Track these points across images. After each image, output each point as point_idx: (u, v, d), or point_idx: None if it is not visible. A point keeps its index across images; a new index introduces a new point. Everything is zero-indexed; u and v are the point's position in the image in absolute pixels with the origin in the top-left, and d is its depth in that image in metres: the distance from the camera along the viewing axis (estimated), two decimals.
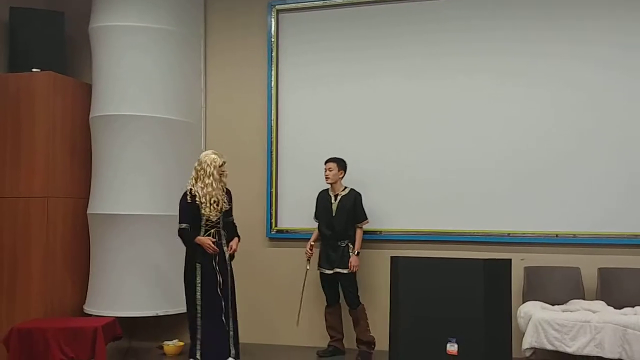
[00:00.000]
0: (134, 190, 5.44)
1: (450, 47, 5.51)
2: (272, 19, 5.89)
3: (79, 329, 4.93)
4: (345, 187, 5.31)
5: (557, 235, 5.26)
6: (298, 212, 5.76)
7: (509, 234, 5.34)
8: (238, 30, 6.04)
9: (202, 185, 4.87)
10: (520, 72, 5.37)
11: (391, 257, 4.76)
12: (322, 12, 5.82)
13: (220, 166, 4.92)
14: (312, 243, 5.36)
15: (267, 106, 5.89)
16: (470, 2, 5.48)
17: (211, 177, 4.87)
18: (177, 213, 5.47)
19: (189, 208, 4.87)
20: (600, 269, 5.08)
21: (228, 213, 5.03)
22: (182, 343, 5.44)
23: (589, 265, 5.13)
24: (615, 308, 4.75)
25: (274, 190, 5.84)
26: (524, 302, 5.02)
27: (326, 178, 5.27)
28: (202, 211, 4.86)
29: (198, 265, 4.86)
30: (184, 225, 4.87)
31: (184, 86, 5.82)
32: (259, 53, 5.95)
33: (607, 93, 5.21)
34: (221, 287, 4.88)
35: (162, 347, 5.40)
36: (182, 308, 5.58)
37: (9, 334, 4.93)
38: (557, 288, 5.07)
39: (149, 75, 5.55)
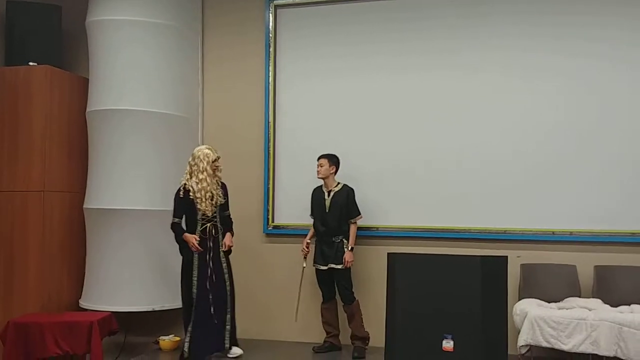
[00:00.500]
0: (130, 185, 5.43)
1: (449, 44, 5.50)
2: (270, 14, 5.88)
3: (74, 323, 4.93)
4: (339, 183, 5.32)
5: (553, 233, 5.27)
6: (295, 208, 5.76)
7: (505, 231, 5.34)
8: (236, 26, 6.03)
9: (197, 181, 4.92)
10: (520, 70, 5.36)
11: (388, 253, 4.75)
12: (319, 7, 5.80)
13: (213, 161, 4.97)
14: (308, 240, 5.37)
15: (265, 101, 5.88)
16: None
17: (205, 172, 4.93)
18: (172, 208, 5.50)
19: (182, 203, 4.93)
20: (596, 267, 5.09)
21: (224, 207, 5.06)
22: (178, 338, 5.45)
23: (585, 262, 5.14)
24: (611, 306, 4.76)
25: (271, 185, 5.83)
26: (520, 300, 5.04)
27: (317, 174, 5.27)
28: (198, 206, 4.88)
29: (195, 259, 4.88)
30: (176, 220, 4.97)
31: (181, 81, 5.80)
32: (257, 48, 5.93)
33: (606, 92, 5.21)
34: (213, 281, 4.90)
35: (157, 342, 5.41)
36: (178, 303, 5.59)
37: (5, 328, 4.93)
38: (553, 285, 5.08)
39: (146, 70, 5.53)
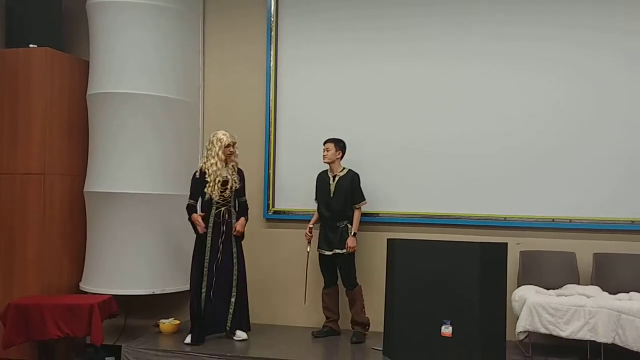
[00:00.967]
0: (131, 169, 5.42)
1: (454, 30, 5.47)
2: None
3: (75, 306, 4.96)
4: (344, 168, 5.30)
5: (553, 220, 5.27)
6: (295, 193, 5.76)
7: (505, 218, 5.35)
8: (237, 8, 5.98)
9: (209, 165, 4.98)
10: (521, 59, 5.34)
11: (388, 239, 4.77)
12: None
13: (226, 146, 5.01)
14: (311, 225, 5.35)
15: (266, 85, 5.85)
16: None
17: (216, 157, 5.01)
18: (174, 192, 5.54)
19: (197, 185, 5.04)
20: (595, 254, 5.11)
21: (240, 193, 5.10)
22: (178, 321, 5.47)
23: (584, 250, 5.15)
24: (609, 293, 4.78)
25: (271, 170, 5.83)
26: (518, 286, 5.05)
27: (323, 158, 5.26)
28: (206, 190, 4.94)
29: (208, 242, 4.99)
30: (191, 202, 5.08)
31: (181, 64, 5.78)
32: (258, 32, 5.89)
33: (606, 81, 5.19)
34: (221, 264, 4.95)
35: (158, 325, 5.43)
36: (179, 287, 5.63)
37: (6, 310, 4.95)
38: (552, 272, 5.10)
39: (147, 53, 5.50)
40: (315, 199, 5.39)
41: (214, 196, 4.99)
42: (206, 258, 5.03)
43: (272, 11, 5.83)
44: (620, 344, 4.48)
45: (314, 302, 5.47)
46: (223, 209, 5.06)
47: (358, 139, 5.52)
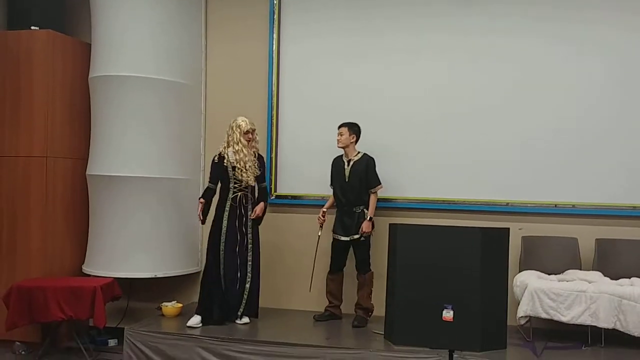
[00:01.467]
0: (133, 152, 5.42)
1: (462, 20, 5.43)
2: None
3: (78, 289, 4.98)
4: (359, 152, 5.25)
5: (555, 206, 5.27)
6: (298, 178, 5.76)
7: (507, 203, 5.35)
8: None
9: (234, 151, 5.05)
10: (525, 42, 5.31)
11: (390, 224, 4.75)
12: None
13: (246, 132, 5.03)
14: (325, 210, 5.32)
15: (269, 68, 5.82)
16: None
17: (240, 143, 5.06)
18: (176, 175, 5.57)
19: (216, 169, 5.11)
20: (597, 240, 5.11)
21: (260, 179, 5.17)
22: (180, 305, 5.49)
23: (586, 235, 5.15)
24: (611, 279, 4.79)
25: (274, 155, 5.82)
26: (520, 271, 5.06)
27: (337, 142, 5.20)
28: (239, 176, 5.04)
29: (224, 226, 5.05)
30: (209, 185, 5.18)
31: (184, 47, 5.75)
32: (261, 12, 5.85)
33: (616, 67, 5.16)
34: (236, 247, 5.05)
35: (160, 308, 5.46)
36: (181, 270, 5.65)
37: (9, 292, 4.98)
38: (554, 258, 5.10)
39: (149, 36, 5.48)
40: (331, 184, 5.35)
41: (249, 181, 5.05)
42: (222, 240, 5.06)
43: None
44: (621, 329, 4.50)
45: (318, 287, 5.48)
46: (240, 194, 5.09)
47: (360, 124, 5.49)
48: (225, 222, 5.07)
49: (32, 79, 5.45)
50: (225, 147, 5.10)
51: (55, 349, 5.36)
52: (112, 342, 5.58)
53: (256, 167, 5.12)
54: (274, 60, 5.81)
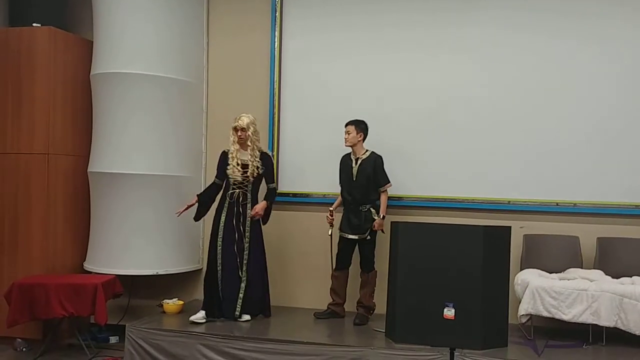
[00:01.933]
0: (135, 149, 5.42)
1: (466, 17, 5.41)
2: None
3: (79, 286, 4.99)
4: (367, 151, 5.22)
5: (557, 204, 5.26)
6: (300, 176, 5.75)
7: (509, 201, 5.34)
8: None
9: (230, 146, 5.13)
10: (527, 39, 5.30)
11: (391, 222, 4.75)
12: None
13: (234, 129, 5.04)
14: (332, 209, 5.28)
15: (270, 65, 5.81)
16: None
17: (230, 138, 5.12)
18: (177, 173, 5.57)
19: (220, 165, 5.18)
20: (599, 239, 5.10)
21: (268, 179, 5.20)
22: (182, 302, 5.49)
23: (588, 234, 5.14)
24: (612, 277, 4.78)
25: (275, 152, 5.81)
26: (521, 270, 5.06)
27: (345, 141, 5.16)
28: (227, 170, 5.06)
29: (222, 222, 5.07)
30: (215, 180, 5.24)
31: (185, 44, 5.75)
32: (263, 10, 5.83)
33: (617, 66, 5.15)
34: (235, 245, 5.06)
35: (161, 306, 5.46)
36: (182, 267, 5.66)
37: (10, 289, 4.99)
38: (555, 256, 5.10)
39: (151, 33, 5.48)
40: (339, 182, 5.32)
41: (235, 177, 5.07)
42: (219, 236, 5.08)
43: None
44: (623, 328, 4.49)
45: (320, 284, 5.48)
46: (238, 191, 5.09)
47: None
48: (223, 218, 5.11)
49: (34, 76, 5.45)
50: (231, 144, 5.16)
51: (57, 346, 5.37)
52: (113, 339, 5.59)
53: (258, 166, 5.11)
54: (275, 57, 5.80)
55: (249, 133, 5.10)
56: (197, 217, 5.29)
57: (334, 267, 5.29)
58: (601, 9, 5.16)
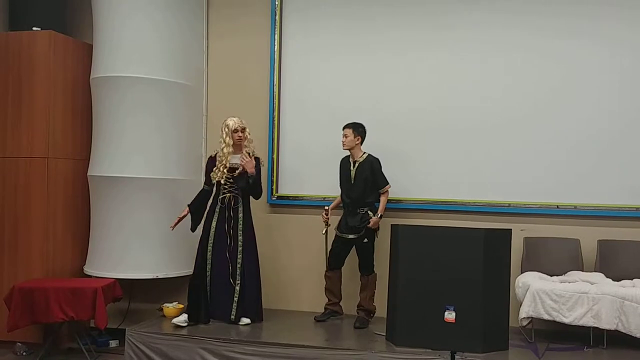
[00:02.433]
0: (134, 153, 5.42)
1: (464, 19, 5.42)
2: None
3: (79, 289, 4.98)
4: (364, 153, 5.23)
5: (557, 207, 5.26)
6: (299, 179, 5.75)
7: (509, 204, 5.34)
8: None
9: (220, 149, 5.08)
10: (521, 49, 5.30)
11: (391, 225, 4.74)
12: None
13: (234, 131, 5.02)
14: (327, 208, 5.29)
15: (270, 69, 5.81)
16: None
17: (224, 143, 5.06)
18: (177, 176, 5.57)
19: (209, 170, 5.15)
20: (599, 241, 5.10)
21: (255, 179, 5.12)
22: (181, 305, 5.48)
23: (588, 237, 5.14)
24: (613, 280, 4.78)
25: (275, 156, 5.82)
26: (522, 273, 5.05)
27: (342, 145, 5.18)
28: (212, 173, 5.06)
29: (213, 228, 5.06)
30: (204, 187, 5.21)
31: (185, 48, 5.75)
32: (263, 14, 5.84)
33: (617, 67, 5.16)
34: (230, 250, 5.03)
35: (161, 309, 5.45)
36: (182, 271, 5.64)
37: (10, 293, 4.98)
38: (556, 259, 5.09)
39: (150, 37, 5.48)
40: (340, 185, 5.32)
41: (218, 179, 5.02)
42: (210, 242, 5.05)
43: None
44: (623, 331, 4.49)
45: (317, 287, 5.47)
46: (229, 195, 5.07)
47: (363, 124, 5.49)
48: (214, 224, 5.08)
49: (34, 80, 5.45)
50: (220, 149, 5.11)
51: (57, 350, 5.36)
52: (113, 343, 5.58)
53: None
54: (275, 60, 5.80)
55: (247, 134, 5.12)
56: (194, 227, 5.25)
57: (326, 267, 5.30)
58: (602, 11, 5.17)
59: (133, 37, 5.43)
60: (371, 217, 5.11)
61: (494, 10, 5.37)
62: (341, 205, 5.31)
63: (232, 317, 5.06)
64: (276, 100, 5.81)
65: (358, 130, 5.17)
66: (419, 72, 5.53)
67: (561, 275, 4.97)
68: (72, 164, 5.70)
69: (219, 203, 5.10)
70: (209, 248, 5.07)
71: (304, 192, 5.70)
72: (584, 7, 5.20)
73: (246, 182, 5.05)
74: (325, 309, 5.34)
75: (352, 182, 5.17)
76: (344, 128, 5.18)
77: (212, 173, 5.08)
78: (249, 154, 5.13)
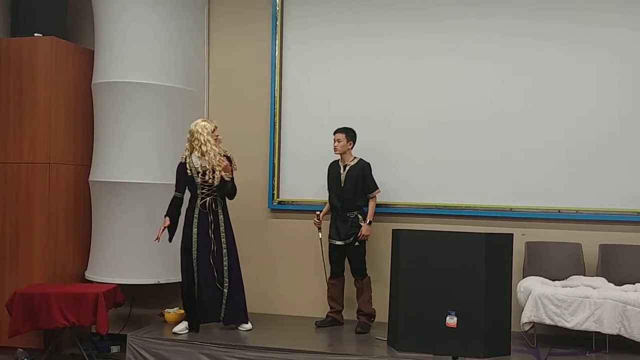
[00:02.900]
0: (136, 158, 5.43)
1: (464, 23, 5.42)
2: None
3: (81, 295, 4.98)
4: (355, 158, 5.26)
5: (559, 211, 5.25)
6: (300, 184, 5.75)
7: (511, 209, 5.33)
8: None
9: (199, 155, 4.92)
10: (522, 55, 5.31)
11: (392, 230, 4.74)
12: None
13: (212, 131, 4.95)
14: (319, 213, 5.31)
15: (271, 75, 5.82)
16: None
17: (208, 144, 4.91)
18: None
19: (182, 178, 5.00)
20: (601, 246, 5.09)
21: (232, 181, 5.06)
22: (182, 311, 5.47)
23: (590, 241, 5.13)
24: (615, 284, 4.77)
25: (276, 161, 5.82)
26: (524, 277, 5.04)
27: (334, 149, 5.21)
28: (197, 180, 4.92)
29: (194, 234, 4.94)
30: (176, 194, 5.04)
31: (187, 53, 5.76)
32: (264, 19, 5.85)
33: (618, 68, 5.16)
34: (214, 255, 4.96)
35: (163, 315, 5.45)
36: None
37: (12, 298, 4.98)
38: (557, 264, 5.08)
39: (151, 42, 5.49)
40: (327, 188, 5.35)
41: (215, 182, 4.93)
42: (194, 249, 4.97)
43: (277, 0, 5.80)
44: (626, 335, 4.47)
45: (319, 292, 5.47)
46: (208, 199, 5.00)
47: (364, 130, 5.48)
48: (195, 230, 4.97)
49: (35, 86, 5.46)
50: (188, 155, 4.99)
51: (58, 356, 5.35)
52: (114, 349, 5.58)
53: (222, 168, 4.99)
54: (276, 66, 5.81)
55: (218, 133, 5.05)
56: (172, 237, 5.10)
57: (328, 275, 5.31)
58: (602, 16, 5.17)
59: (134, 43, 5.45)
60: (361, 222, 5.14)
61: (493, 15, 5.37)
62: (330, 209, 5.31)
63: (222, 317, 5.02)
64: (277, 106, 5.81)
65: (350, 135, 5.21)
66: (420, 76, 5.53)
67: (563, 279, 4.96)
68: (74, 169, 5.71)
69: (199, 208, 4.99)
70: (194, 255, 4.97)
71: (305, 197, 5.70)
72: (585, 12, 5.20)
73: (229, 187, 5.01)
74: (327, 316, 5.34)
75: (342, 185, 5.19)
76: (335, 132, 5.22)
77: (205, 179, 4.91)
78: (225, 154, 5.06)
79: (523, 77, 5.33)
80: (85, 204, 5.74)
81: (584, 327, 4.53)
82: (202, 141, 4.91)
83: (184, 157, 5.04)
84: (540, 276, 4.97)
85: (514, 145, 5.33)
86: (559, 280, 4.94)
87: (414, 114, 5.53)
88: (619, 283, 4.80)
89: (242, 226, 5.62)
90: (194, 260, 4.98)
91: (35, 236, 5.43)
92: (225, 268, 5.04)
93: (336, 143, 5.19)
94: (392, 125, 5.56)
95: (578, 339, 4.73)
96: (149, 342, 4.83)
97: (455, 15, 5.45)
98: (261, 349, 4.62)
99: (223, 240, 5.04)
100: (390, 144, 5.55)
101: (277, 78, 5.81)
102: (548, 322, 4.59)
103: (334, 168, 5.31)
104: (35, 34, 5.52)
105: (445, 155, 5.46)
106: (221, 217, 5.05)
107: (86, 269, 5.70)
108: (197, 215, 4.99)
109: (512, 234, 4.45)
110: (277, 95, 5.81)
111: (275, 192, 5.83)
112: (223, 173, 4.94)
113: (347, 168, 5.22)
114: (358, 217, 5.17)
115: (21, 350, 5.32)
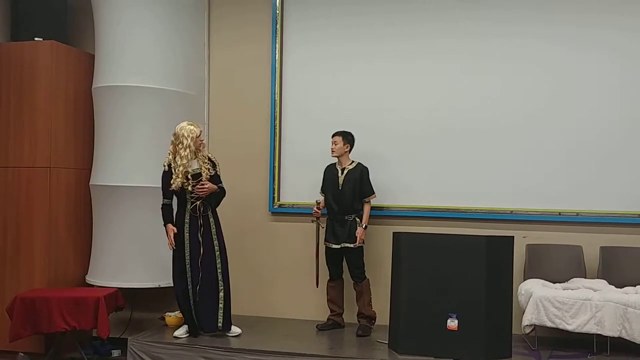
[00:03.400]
0: (136, 162, 5.43)
1: (463, 26, 5.43)
2: None
3: (81, 299, 4.97)
4: (353, 161, 5.27)
5: (559, 214, 5.25)
6: (301, 187, 5.75)
7: (512, 211, 5.33)
8: (243, 1, 5.96)
9: (179, 158, 4.86)
10: (523, 58, 5.31)
11: (393, 233, 4.76)
12: None
13: (198, 136, 4.92)
14: (319, 201, 5.31)
15: (271, 78, 5.83)
16: None
17: (187, 149, 4.86)
18: None
19: (166, 184, 4.90)
20: (602, 248, 5.09)
21: (215, 181, 5.00)
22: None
23: (591, 243, 5.13)
24: (616, 287, 4.77)
25: (276, 164, 5.82)
26: (525, 280, 5.04)
27: (332, 152, 5.23)
28: (172, 182, 4.84)
29: (186, 238, 4.92)
30: (166, 201, 4.96)
31: (187, 57, 5.76)
32: (264, 23, 5.85)
33: (618, 69, 5.16)
34: (206, 259, 4.93)
35: (163, 318, 5.44)
36: None
37: (13, 303, 4.98)
38: (558, 266, 5.08)
39: (152, 46, 5.49)
40: (321, 191, 5.36)
41: (185, 186, 4.85)
42: (186, 254, 4.93)
43: (277, 4, 5.81)
44: (627, 338, 4.47)
45: (320, 295, 5.46)
46: (198, 202, 4.95)
47: (364, 133, 5.49)
48: (187, 235, 4.93)
49: (36, 90, 5.47)
50: (172, 159, 4.91)
51: None
52: (115, 353, 5.57)
53: (209, 169, 4.95)
54: (276, 69, 5.81)
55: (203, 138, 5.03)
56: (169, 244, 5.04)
57: (328, 277, 5.32)
58: (603, 18, 5.17)
59: (135, 47, 5.45)
60: (359, 225, 5.14)
61: (493, 18, 5.37)
62: (327, 212, 5.30)
63: (220, 323, 4.98)
64: (277, 109, 5.82)
65: (348, 138, 5.22)
66: (421, 79, 5.53)
67: (564, 282, 4.95)
68: (74, 173, 5.71)
69: (189, 212, 4.94)
70: (187, 261, 4.93)
71: (306, 200, 5.70)
72: (585, 14, 5.21)
73: (219, 196, 4.99)
74: (328, 319, 5.34)
75: (340, 188, 5.20)
76: (333, 135, 5.24)
77: (173, 184, 4.83)
78: (209, 158, 5.02)
79: (523, 79, 5.33)
80: (86, 208, 5.74)
81: (585, 330, 4.52)
82: (184, 145, 4.85)
83: (168, 162, 4.93)
84: (541, 279, 4.97)
85: (514, 148, 5.34)
86: (560, 282, 4.93)
87: (415, 116, 5.53)
88: (620, 285, 4.79)
89: (242, 229, 5.62)
90: (187, 265, 4.94)
91: (35, 240, 5.42)
92: (220, 272, 5.02)
93: (333, 145, 5.22)
94: (393, 128, 5.56)
95: (579, 342, 4.73)
96: (149, 346, 4.83)
97: (455, 17, 5.45)
98: (262, 353, 4.62)
99: (215, 243, 5.01)
100: (390, 146, 5.55)
101: (277, 81, 5.81)
102: (549, 324, 4.59)
103: (331, 171, 5.32)
104: (36, 38, 5.53)
105: (446, 157, 5.46)
106: (211, 219, 5.01)
107: (87, 273, 5.70)
108: (187, 220, 4.94)
109: (513, 237, 4.45)
110: (277, 98, 5.82)
111: (275, 195, 5.83)
112: (197, 188, 4.84)
113: (346, 171, 5.22)
114: (356, 221, 5.17)
115: (22, 354, 5.31)
